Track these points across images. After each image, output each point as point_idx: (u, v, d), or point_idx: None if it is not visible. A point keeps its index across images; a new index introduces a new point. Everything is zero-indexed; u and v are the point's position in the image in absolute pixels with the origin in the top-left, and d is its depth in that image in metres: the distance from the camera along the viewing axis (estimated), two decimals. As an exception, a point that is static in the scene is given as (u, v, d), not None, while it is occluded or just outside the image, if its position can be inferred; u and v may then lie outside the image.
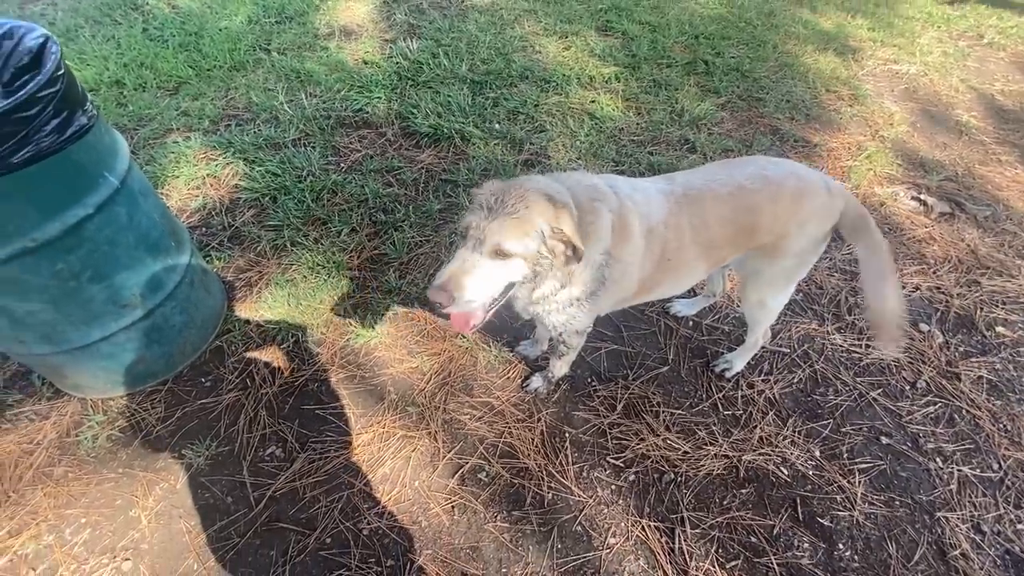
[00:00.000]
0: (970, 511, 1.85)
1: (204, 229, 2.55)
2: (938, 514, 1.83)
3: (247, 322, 2.21)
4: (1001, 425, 2.08)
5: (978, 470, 1.95)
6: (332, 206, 2.68)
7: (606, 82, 3.64)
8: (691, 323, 2.36)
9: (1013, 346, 2.35)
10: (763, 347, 2.14)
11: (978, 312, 2.47)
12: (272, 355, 2.12)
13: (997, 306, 2.51)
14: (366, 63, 3.66)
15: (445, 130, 3.10)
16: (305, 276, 2.38)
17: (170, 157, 2.83)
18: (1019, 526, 1.81)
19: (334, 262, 2.42)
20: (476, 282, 1.30)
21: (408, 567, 1.64)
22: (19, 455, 1.83)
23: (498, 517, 1.76)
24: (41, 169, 1.36)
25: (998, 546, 1.77)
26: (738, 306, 2.42)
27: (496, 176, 2.87)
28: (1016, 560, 1.73)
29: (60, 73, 1.36)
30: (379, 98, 3.34)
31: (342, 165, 2.94)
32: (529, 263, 1.34)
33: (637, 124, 3.33)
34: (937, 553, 1.75)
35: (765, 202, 1.54)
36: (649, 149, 3.15)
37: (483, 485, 1.83)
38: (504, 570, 1.66)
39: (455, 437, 1.94)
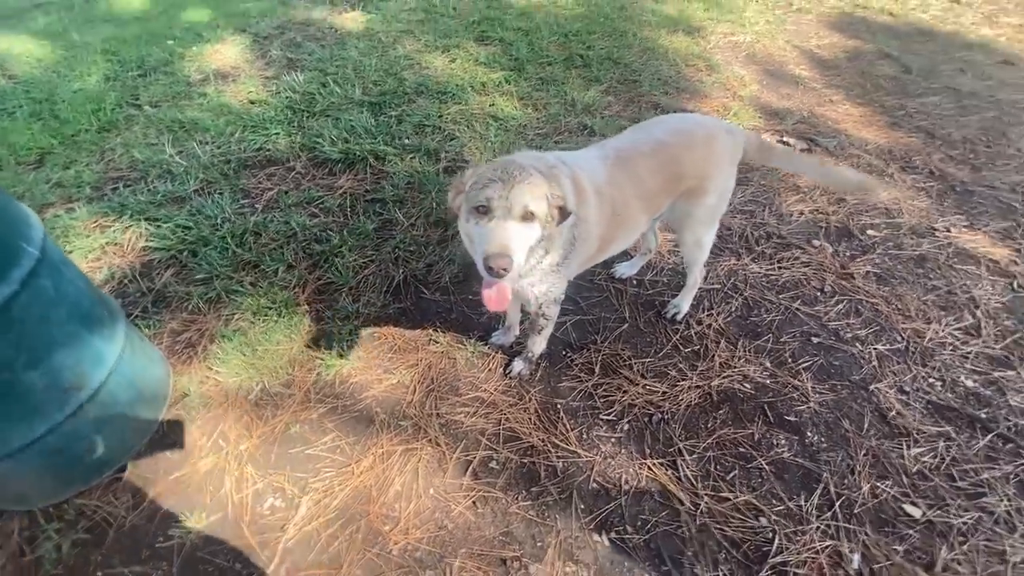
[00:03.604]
0: (892, 379, 2.21)
1: (121, 300, 2.31)
2: (871, 387, 2.17)
3: (202, 382, 2.04)
4: (894, 306, 2.51)
5: (888, 345, 2.34)
6: (260, 247, 2.55)
7: (498, 86, 3.83)
8: (635, 282, 2.58)
9: (882, 243, 2.85)
10: (700, 287, 2.39)
11: (851, 222, 2.96)
12: (240, 408, 1.98)
13: (863, 214, 3.02)
14: (253, 102, 3.52)
15: (356, 153, 3.08)
16: (252, 322, 2.25)
17: (56, 233, 2.53)
18: (930, 380, 2.20)
19: (280, 301, 2.31)
20: (520, 246, 1.34)
21: (448, 572, 1.63)
22: (-40, 596, 1.55)
23: (519, 497, 1.80)
24: (-49, 249, 1.20)
25: (920, 400, 2.15)
26: (670, 259, 2.69)
27: (422, 186, 2.91)
28: (936, 407, 2.10)
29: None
30: (277, 133, 3.23)
31: (257, 206, 2.81)
32: (541, 225, 1.40)
33: (538, 119, 3.55)
34: (880, 418, 2.08)
35: (683, 151, 1.77)
36: (555, 139, 3.37)
37: (496, 473, 1.87)
38: (539, 543, 1.71)
39: (456, 437, 1.95)
